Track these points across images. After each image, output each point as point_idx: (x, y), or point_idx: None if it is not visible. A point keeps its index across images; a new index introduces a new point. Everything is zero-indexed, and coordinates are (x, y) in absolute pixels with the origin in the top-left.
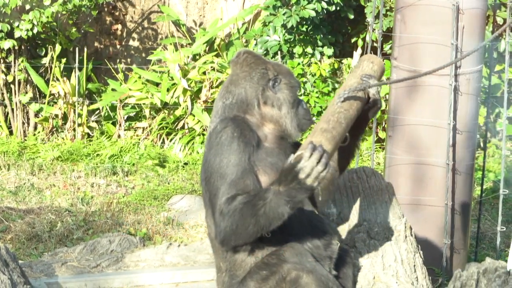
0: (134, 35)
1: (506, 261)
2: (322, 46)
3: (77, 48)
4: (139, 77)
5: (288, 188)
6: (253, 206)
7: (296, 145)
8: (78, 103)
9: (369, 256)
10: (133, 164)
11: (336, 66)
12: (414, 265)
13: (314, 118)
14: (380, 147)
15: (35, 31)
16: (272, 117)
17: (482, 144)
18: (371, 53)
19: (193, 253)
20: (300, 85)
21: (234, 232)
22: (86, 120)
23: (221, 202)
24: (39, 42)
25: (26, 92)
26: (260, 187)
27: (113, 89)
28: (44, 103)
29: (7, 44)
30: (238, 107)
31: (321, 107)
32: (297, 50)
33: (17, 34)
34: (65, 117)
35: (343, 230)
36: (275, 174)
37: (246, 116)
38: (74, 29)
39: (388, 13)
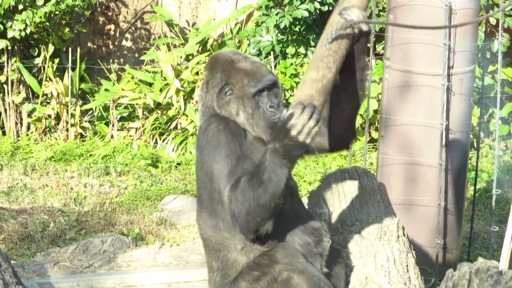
0: (127, 35)
1: (499, 261)
2: (315, 46)
3: (70, 48)
4: (132, 77)
5: (282, 144)
6: (257, 175)
7: None
8: (71, 103)
9: (361, 256)
10: (126, 164)
11: None
12: (407, 265)
13: (284, 112)
14: (373, 147)
15: (28, 31)
16: (237, 123)
17: (475, 144)
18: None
19: (186, 253)
20: (267, 81)
21: (249, 211)
22: (79, 120)
23: (226, 194)
24: (32, 42)
25: (19, 92)
26: None
27: (106, 89)
28: (37, 103)
29: (0, 44)
30: (208, 111)
31: None
32: (290, 50)
33: (10, 34)
34: (58, 117)
35: (335, 230)
36: None
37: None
38: (67, 29)
39: (380, 13)
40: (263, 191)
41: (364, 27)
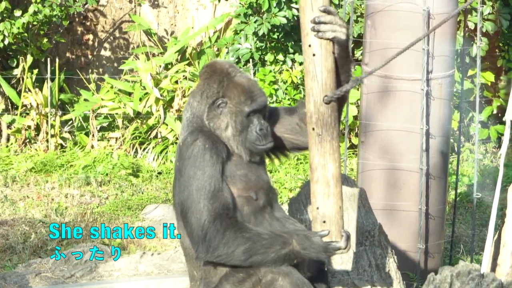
0: (106, 45)
1: (481, 264)
2: (294, 53)
3: (48, 59)
4: (111, 87)
5: (307, 255)
6: (264, 249)
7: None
8: (50, 114)
9: (343, 262)
10: (107, 174)
11: None
12: (389, 270)
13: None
14: (353, 153)
15: (6, 42)
16: (221, 137)
17: (456, 149)
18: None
19: (167, 261)
20: (261, 103)
21: (228, 256)
22: (59, 131)
23: (206, 218)
24: (11, 53)
25: None
26: (233, 200)
27: (85, 100)
28: (17, 114)
29: None
30: (196, 120)
31: None
32: (269, 57)
33: None
34: (38, 128)
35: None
36: (244, 186)
37: (208, 129)
38: (45, 40)
39: (358, 19)
40: (247, 257)
41: (343, 35)
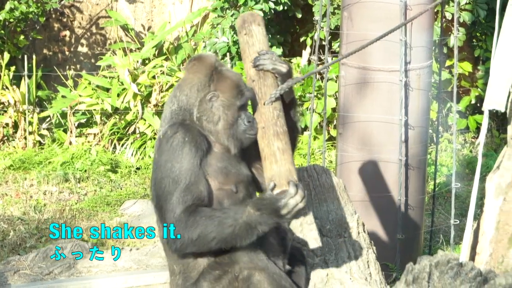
0: (83, 41)
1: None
2: (271, 46)
3: (25, 56)
4: (89, 83)
5: (264, 218)
6: (220, 223)
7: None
8: (28, 111)
9: (322, 254)
10: (85, 171)
11: None
12: (368, 261)
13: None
14: (332, 145)
15: None
16: (210, 130)
17: (434, 139)
18: (319, 52)
19: (146, 257)
20: (249, 96)
21: (193, 243)
22: (37, 128)
23: (177, 210)
24: None
25: None
26: (210, 193)
27: (63, 96)
28: None
29: None
30: (182, 113)
31: None
32: None
33: None
34: (15, 126)
35: (295, 228)
36: (224, 179)
37: (192, 122)
38: (22, 37)
39: (335, 11)
40: (217, 240)
41: (283, 69)
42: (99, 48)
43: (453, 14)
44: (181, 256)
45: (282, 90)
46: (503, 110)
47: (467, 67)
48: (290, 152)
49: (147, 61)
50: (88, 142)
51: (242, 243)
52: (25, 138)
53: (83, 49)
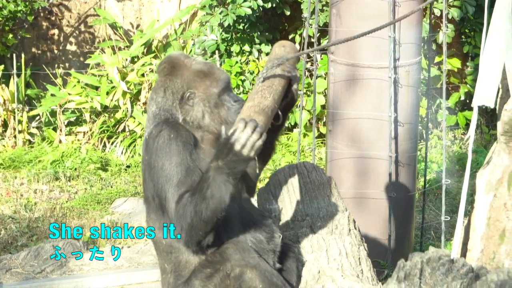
0: (72, 39)
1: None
2: (260, 44)
3: (14, 55)
4: (78, 82)
5: (226, 161)
6: (200, 191)
7: None
8: (17, 110)
9: (313, 251)
10: (75, 169)
11: None
12: (359, 258)
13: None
14: (321, 142)
15: None
16: (199, 126)
17: (424, 135)
18: (308, 48)
19: (137, 255)
20: (224, 79)
21: (192, 226)
22: (27, 127)
23: (172, 205)
24: None
25: None
26: None
27: (52, 95)
28: None
29: None
30: (164, 114)
31: None
32: (235, 48)
33: None
34: (5, 124)
35: (286, 226)
36: None
37: (176, 121)
38: (10, 35)
39: (324, 8)
40: (205, 208)
41: (293, 72)
42: (87, 47)
43: (441, 11)
44: (174, 253)
45: (268, 71)
46: (492, 106)
47: (456, 63)
48: (262, 107)
49: (136, 59)
50: (78, 140)
51: (224, 200)
52: (15, 136)
53: (72, 47)
